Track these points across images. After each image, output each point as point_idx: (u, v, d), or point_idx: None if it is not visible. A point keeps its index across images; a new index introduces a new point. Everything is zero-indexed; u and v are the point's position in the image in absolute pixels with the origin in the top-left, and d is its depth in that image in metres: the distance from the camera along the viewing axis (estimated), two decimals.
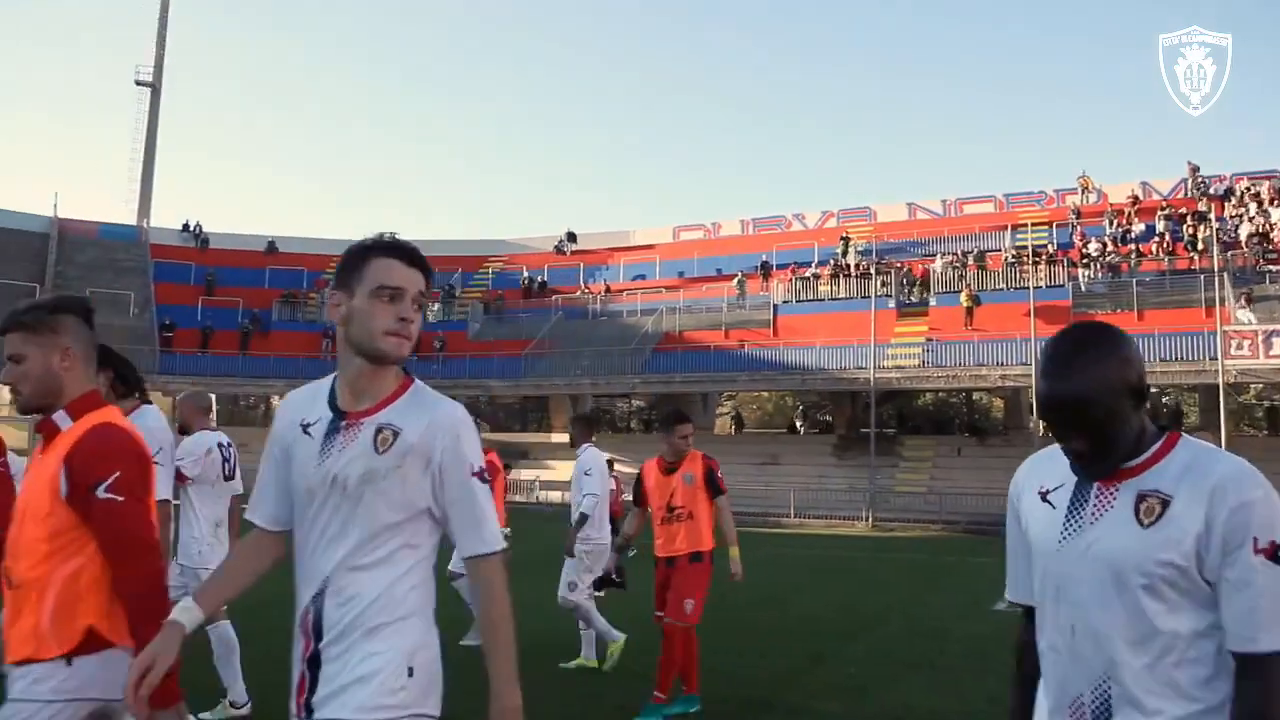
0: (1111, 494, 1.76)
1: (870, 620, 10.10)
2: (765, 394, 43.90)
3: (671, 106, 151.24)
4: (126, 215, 47.78)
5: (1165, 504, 1.68)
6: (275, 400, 44.28)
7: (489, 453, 8.13)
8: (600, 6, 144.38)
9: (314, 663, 2.04)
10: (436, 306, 41.09)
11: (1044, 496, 1.87)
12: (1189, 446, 1.75)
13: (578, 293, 40.31)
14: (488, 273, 43.76)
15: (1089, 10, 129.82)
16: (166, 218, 57.15)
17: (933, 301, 32.88)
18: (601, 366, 33.78)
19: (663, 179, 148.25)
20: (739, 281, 36.14)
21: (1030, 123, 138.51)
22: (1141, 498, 1.71)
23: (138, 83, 49.56)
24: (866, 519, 26.02)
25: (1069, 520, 1.79)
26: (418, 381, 2.17)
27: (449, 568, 8.00)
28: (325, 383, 2.19)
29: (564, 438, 35.37)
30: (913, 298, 33.51)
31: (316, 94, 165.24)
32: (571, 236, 44.31)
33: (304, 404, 2.20)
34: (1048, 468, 1.90)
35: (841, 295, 34.44)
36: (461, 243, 45.13)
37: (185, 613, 2.11)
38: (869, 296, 31.09)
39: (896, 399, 36.32)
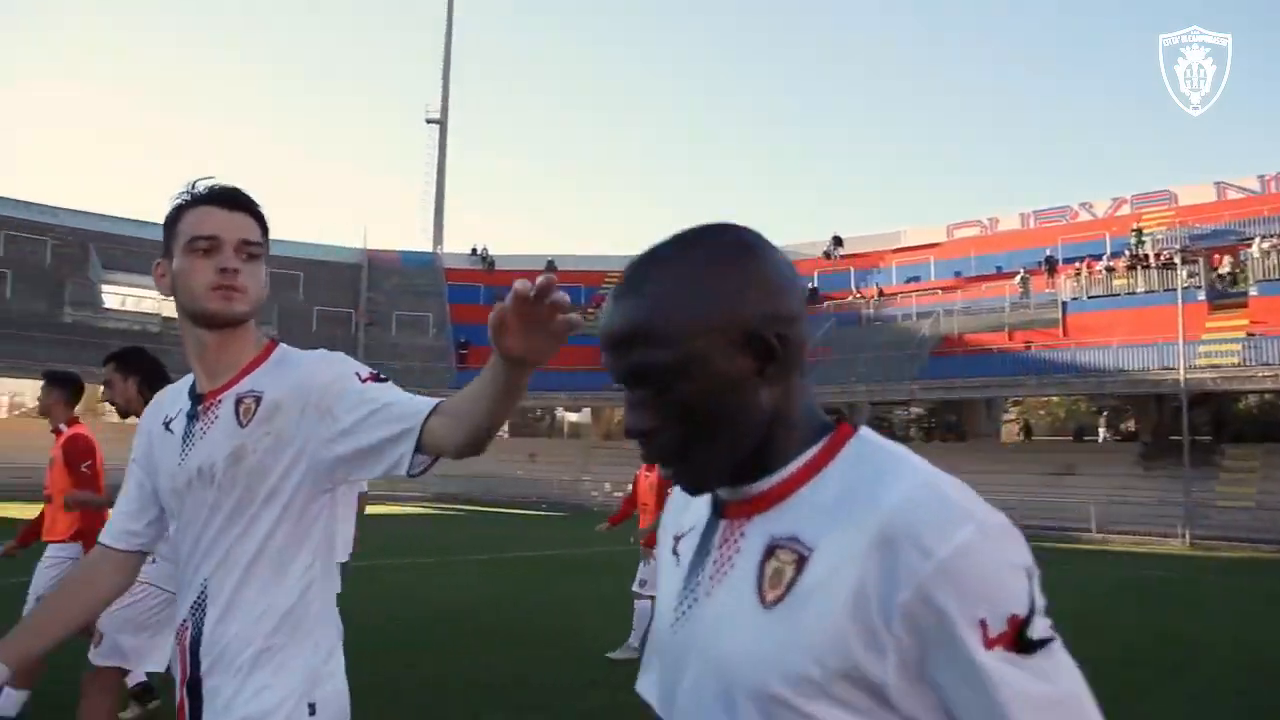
0: (736, 540, 1.02)
1: (1198, 652, 9.03)
2: (1056, 399, 41.02)
3: (934, 102, 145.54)
4: (424, 243, 52.02)
5: (800, 564, 0.94)
6: (560, 412, 46.65)
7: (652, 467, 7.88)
8: (859, 7, 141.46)
9: (194, 691, 1.73)
10: None
11: (676, 544, 1.14)
12: (859, 453, 0.99)
13: (849, 298, 39.51)
14: None
15: None
16: (458, 243, 61.34)
17: (1253, 291, 29.34)
18: (877, 373, 32.87)
19: (931, 176, 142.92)
20: (1022, 279, 34.00)
21: None
22: (770, 551, 0.98)
23: (428, 120, 53.87)
24: (1183, 536, 23.53)
25: (687, 587, 1.06)
26: (284, 345, 1.88)
27: (633, 588, 7.86)
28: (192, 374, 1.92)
29: None
30: (1228, 288, 30.11)
31: (587, 117, 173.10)
32: (838, 241, 43.50)
33: (169, 399, 1.92)
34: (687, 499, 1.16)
35: (1140, 289, 31.52)
36: None
37: None
38: (1174, 289, 28.22)
39: (1211, 402, 32.73)
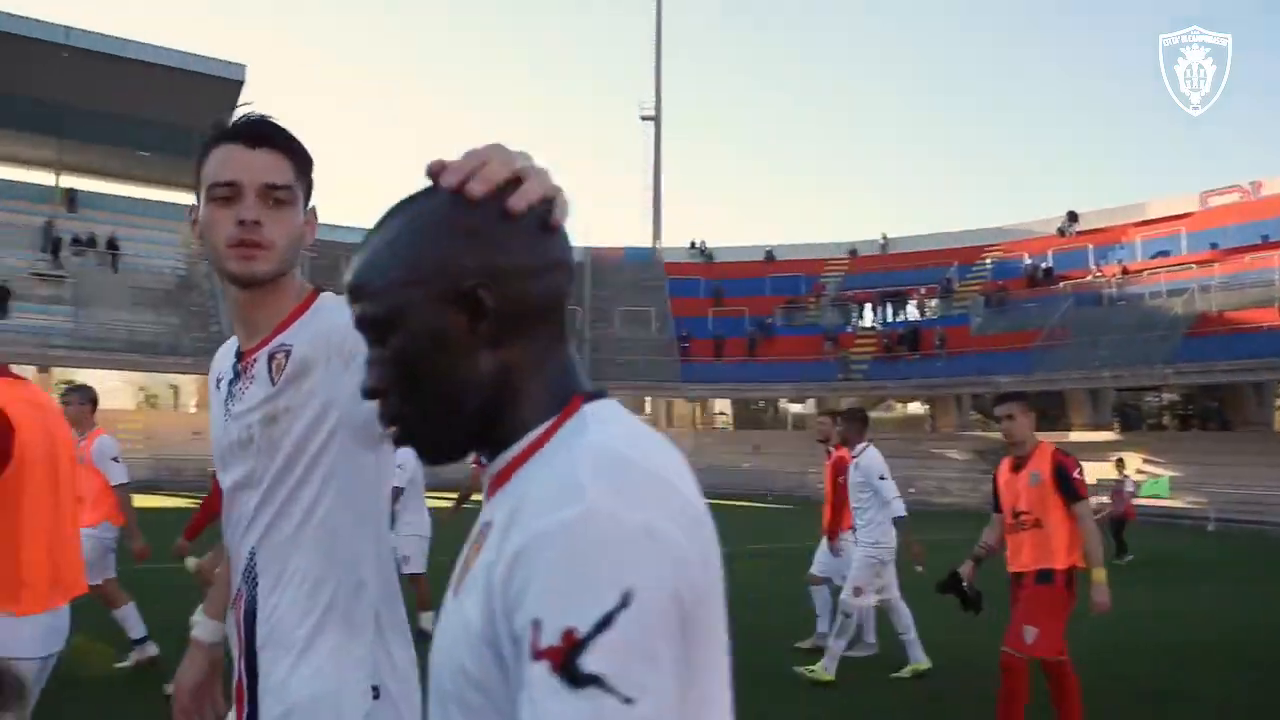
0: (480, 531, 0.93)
1: None
2: None
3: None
4: (645, 238, 53.01)
5: (480, 549, 0.88)
6: (783, 403, 46.34)
7: (839, 448, 7.54)
8: None
9: (251, 666, 1.62)
10: (935, 302, 40.13)
11: None
12: (573, 428, 0.88)
13: (1088, 277, 37.01)
14: (986, 263, 41.79)
15: None
16: (676, 237, 62.07)
17: None
18: (1122, 356, 30.61)
19: (1176, 139, 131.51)
20: None
21: None
22: (477, 537, 0.90)
23: (642, 118, 54.76)
24: None
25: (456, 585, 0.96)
26: (326, 294, 1.70)
27: (810, 571, 7.78)
28: None
29: (1084, 436, 32.76)
30: None
31: (798, 104, 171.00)
32: (1073, 216, 40.79)
33: (221, 357, 1.79)
34: None
35: None
36: (955, 234, 43.76)
37: (201, 627, 1.79)
38: None
39: None
